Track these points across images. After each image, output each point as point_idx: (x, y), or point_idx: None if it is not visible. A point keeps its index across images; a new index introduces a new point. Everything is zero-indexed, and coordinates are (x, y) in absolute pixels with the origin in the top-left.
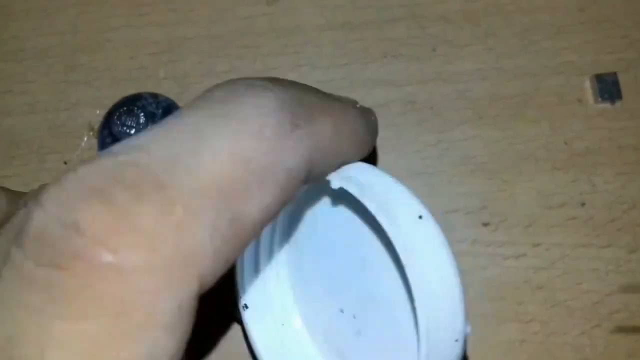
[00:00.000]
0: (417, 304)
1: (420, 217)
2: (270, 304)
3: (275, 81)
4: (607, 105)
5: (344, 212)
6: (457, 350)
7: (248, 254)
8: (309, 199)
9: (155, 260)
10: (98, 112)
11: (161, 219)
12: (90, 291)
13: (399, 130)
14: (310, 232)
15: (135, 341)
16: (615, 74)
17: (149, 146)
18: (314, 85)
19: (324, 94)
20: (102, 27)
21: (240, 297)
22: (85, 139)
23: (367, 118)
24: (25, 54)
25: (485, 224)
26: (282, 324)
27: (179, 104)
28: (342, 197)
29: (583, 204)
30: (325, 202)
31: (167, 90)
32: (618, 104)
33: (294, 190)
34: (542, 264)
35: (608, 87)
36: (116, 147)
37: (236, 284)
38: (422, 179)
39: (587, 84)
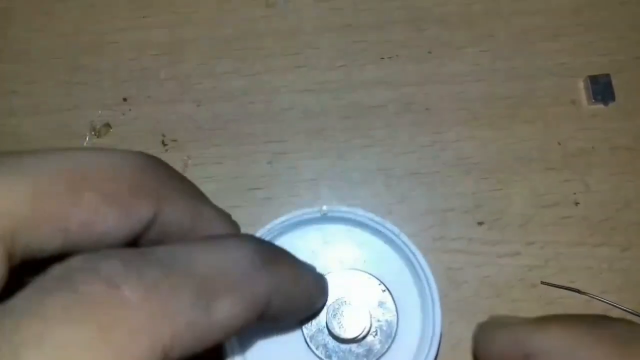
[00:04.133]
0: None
1: None
2: None
3: (258, 239)
4: (600, 107)
5: None
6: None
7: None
8: None
9: (146, 304)
10: (100, 112)
11: (158, 280)
12: (92, 308)
13: (395, 131)
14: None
15: (109, 353)
16: (608, 75)
17: (157, 250)
18: (312, 85)
19: (290, 255)
20: (105, 29)
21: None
22: (87, 138)
23: (322, 285)
24: (30, 55)
25: (480, 223)
26: None
27: (179, 103)
28: None
29: (577, 204)
30: None
31: (168, 91)
32: (611, 105)
33: (255, 314)
34: (537, 262)
35: (601, 89)
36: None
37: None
38: (418, 179)
39: (581, 85)
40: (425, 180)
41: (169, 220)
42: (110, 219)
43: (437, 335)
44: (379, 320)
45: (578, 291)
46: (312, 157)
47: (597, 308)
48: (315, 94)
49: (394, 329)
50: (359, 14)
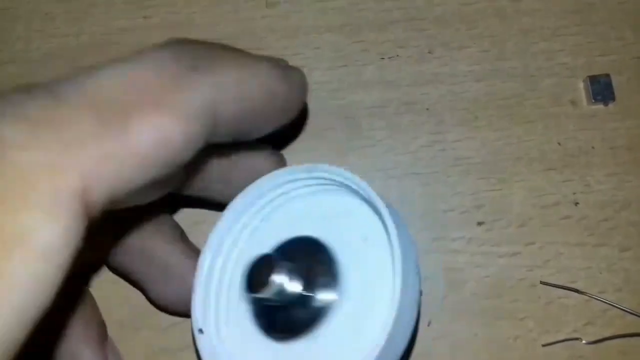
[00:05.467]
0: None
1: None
2: (223, 331)
3: (186, 39)
4: (600, 107)
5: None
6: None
7: (204, 278)
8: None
9: (33, 140)
10: None
11: (44, 111)
12: None
13: (395, 131)
14: None
15: (9, 211)
16: (608, 75)
17: (50, 81)
18: (312, 85)
19: (236, 50)
20: (106, 30)
21: (196, 321)
22: None
23: (287, 74)
24: (30, 55)
25: (480, 223)
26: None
27: None
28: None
29: (576, 204)
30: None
31: None
32: (611, 105)
33: (199, 129)
34: (536, 262)
35: (601, 89)
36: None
37: (193, 308)
38: (418, 179)
39: (581, 85)
40: (424, 180)
41: None
42: None
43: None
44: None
45: (577, 291)
46: (312, 158)
47: (597, 308)
48: (315, 94)
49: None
50: (359, 14)
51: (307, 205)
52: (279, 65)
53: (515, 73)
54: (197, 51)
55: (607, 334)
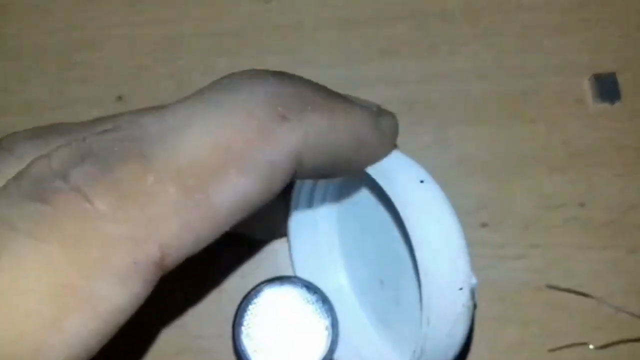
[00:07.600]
0: (416, 253)
1: (421, 181)
2: (323, 275)
3: (280, 75)
4: (606, 106)
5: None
6: (462, 298)
7: (303, 223)
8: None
9: (120, 213)
10: (94, 110)
11: (134, 183)
12: (59, 222)
13: None
14: (355, 209)
15: (85, 277)
16: (614, 74)
17: (145, 122)
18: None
19: (331, 92)
20: (100, 25)
21: (294, 267)
22: None
23: (379, 122)
24: (22, 52)
25: (484, 225)
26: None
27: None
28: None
29: (582, 205)
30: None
31: (165, 88)
32: (617, 104)
33: (279, 182)
34: (542, 265)
35: (607, 88)
36: (124, 120)
37: (291, 256)
38: None
39: (586, 84)
40: None
41: None
42: None
43: None
44: None
45: (585, 294)
46: None
47: (604, 311)
48: None
49: None
50: (359, 9)
51: None
52: (371, 113)
53: (519, 70)
54: (289, 98)
55: (615, 338)
